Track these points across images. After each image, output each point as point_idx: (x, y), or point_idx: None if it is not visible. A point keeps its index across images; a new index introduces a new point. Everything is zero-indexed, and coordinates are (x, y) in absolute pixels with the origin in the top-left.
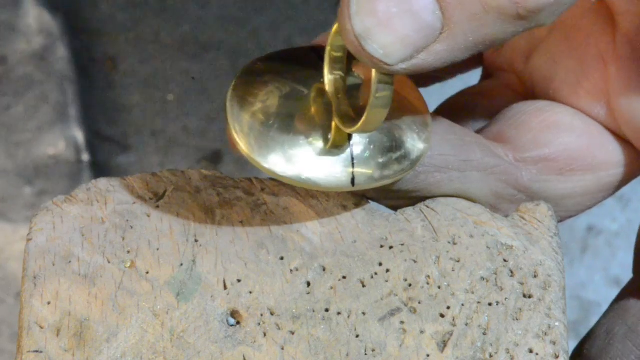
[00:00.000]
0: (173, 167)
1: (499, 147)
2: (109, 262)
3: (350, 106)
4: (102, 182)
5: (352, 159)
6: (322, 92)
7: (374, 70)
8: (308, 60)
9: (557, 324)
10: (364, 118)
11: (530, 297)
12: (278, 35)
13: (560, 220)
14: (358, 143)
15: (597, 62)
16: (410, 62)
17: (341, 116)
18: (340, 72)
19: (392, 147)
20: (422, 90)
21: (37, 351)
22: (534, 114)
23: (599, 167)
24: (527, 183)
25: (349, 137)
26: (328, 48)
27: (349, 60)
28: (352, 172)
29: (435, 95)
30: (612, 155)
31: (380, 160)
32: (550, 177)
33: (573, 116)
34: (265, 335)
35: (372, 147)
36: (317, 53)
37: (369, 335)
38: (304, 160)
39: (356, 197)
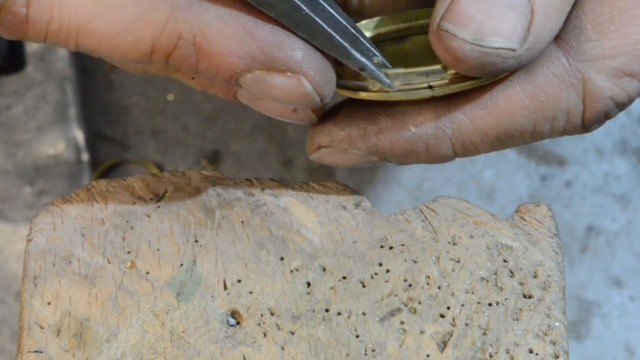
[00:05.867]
0: (173, 167)
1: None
2: (109, 263)
3: None
4: (103, 183)
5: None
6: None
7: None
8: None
9: (557, 324)
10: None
11: (530, 297)
12: None
13: None
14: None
15: None
16: (528, 41)
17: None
18: None
19: None
20: None
21: (37, 351)
22: None
23: None
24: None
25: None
26: None
27: None
28: (429, 83)
29: None
30: None
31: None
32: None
33: None
34: (265, 335)
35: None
36: None
37: (369, 335)
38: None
39: (356, 198)
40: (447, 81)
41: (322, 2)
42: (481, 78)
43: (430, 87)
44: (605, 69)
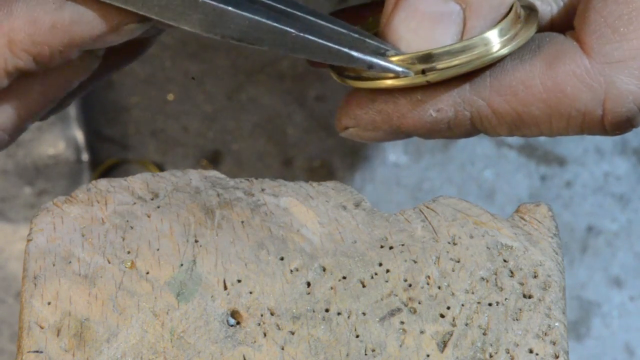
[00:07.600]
0: (173, 167)
1: None
2: (109, 263)
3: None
4: (103, 183)
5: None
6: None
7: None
8: None
9: (557, 324)
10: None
11: (530, 297)
12: None
13: None
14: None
15: None
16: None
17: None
18: None
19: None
20: None
21: (37, 351)
22: None
23: None
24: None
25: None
26: None
27: None
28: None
29: None
30: None
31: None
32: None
33: None
34: (265, 335)
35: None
36: None
37: (369, 335)
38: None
39: (356, 198)
40: (441, 67)
41: (314, 19)
42: (476, 63)
43: (423, 72)
44: (627, 71)
